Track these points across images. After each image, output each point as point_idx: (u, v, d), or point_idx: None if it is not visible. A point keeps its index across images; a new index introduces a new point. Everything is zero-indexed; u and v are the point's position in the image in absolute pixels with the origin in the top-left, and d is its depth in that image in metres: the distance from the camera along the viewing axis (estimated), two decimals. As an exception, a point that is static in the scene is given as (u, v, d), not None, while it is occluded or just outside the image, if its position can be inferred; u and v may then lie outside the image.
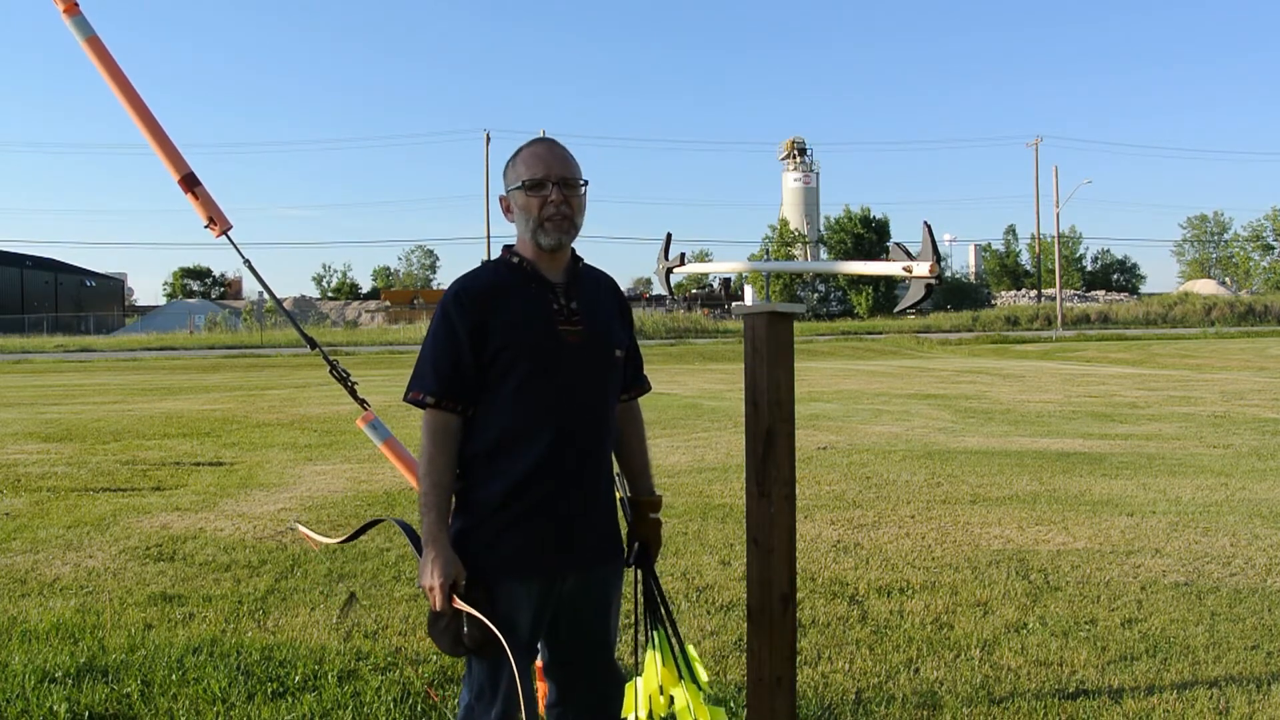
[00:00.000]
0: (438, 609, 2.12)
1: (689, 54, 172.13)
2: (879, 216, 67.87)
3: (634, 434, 2.44)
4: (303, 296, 76.15)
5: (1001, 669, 3.73)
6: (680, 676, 2.32)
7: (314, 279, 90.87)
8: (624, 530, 2.42)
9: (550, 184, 2.19)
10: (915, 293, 2.29)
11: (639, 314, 53.57)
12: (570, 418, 2.19)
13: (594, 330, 2.24)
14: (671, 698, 2.31)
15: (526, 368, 2.15)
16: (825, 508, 6.76)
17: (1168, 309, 56.63)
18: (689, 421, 12.29)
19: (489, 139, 55.13)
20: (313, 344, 3.06)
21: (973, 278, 78.20)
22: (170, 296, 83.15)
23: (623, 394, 2.39)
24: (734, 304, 3.25)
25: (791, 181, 75.30)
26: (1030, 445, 9.81)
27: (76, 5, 2.89)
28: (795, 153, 75.87)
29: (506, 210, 2.29)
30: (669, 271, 3.10)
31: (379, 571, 5.14)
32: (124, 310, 79.56)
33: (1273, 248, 78.38)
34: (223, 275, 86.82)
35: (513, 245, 2.30)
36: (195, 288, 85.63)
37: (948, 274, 46.41)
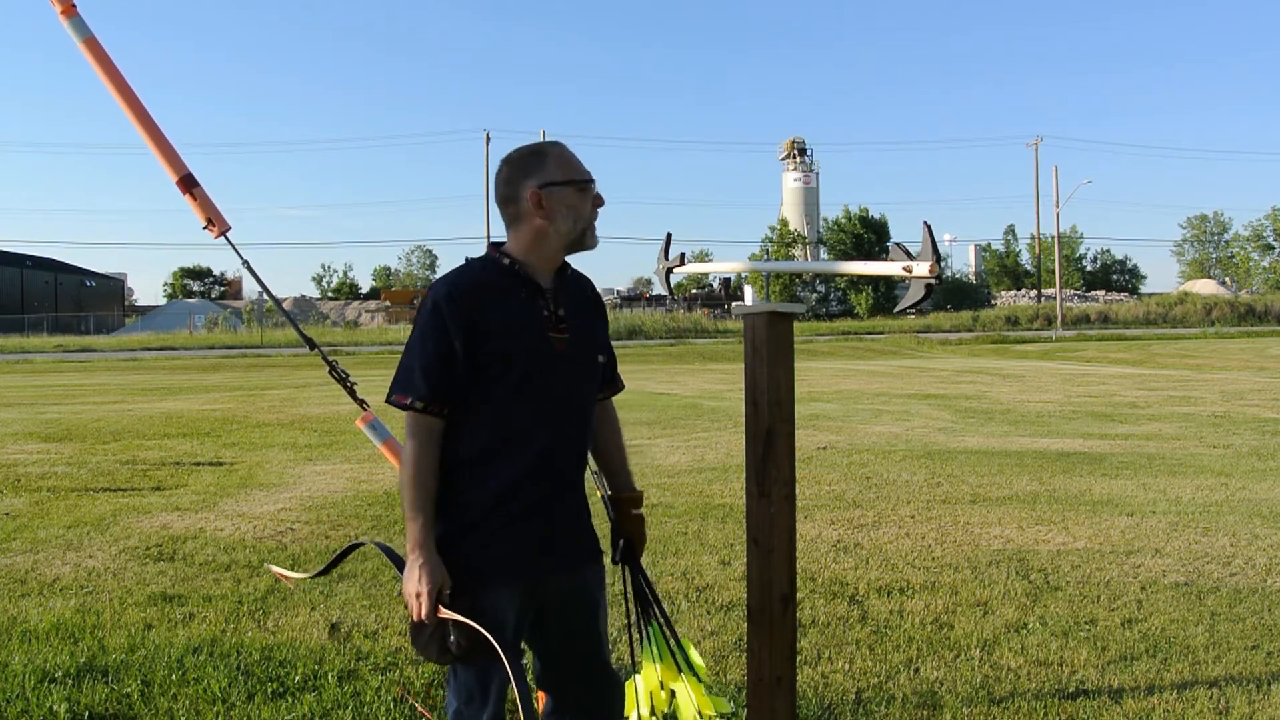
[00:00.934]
0: (422, 617, 2.08)
1: (689, 54, 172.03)
2: (879, 217, 67.94)
3: (611, 431, 2.45)
4: (303, 296, 76.15)
5: (1001, 669, 3.73)
6: (680, 670, 2.32)
7: (314, 279, 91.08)
8: (606, 529, 2.41)
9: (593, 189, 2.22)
10: (915, 293, 2.30)
11: (639, 314, 53.69)
12: (562, 422, 2.20)
13: (579, 337, 2.24)
14: (673, 692, 2.31)
15: (521, 372, 2.14)
16: (825, 508, 6.76)
17: (1168, 309, 56.60)
18: (689, 421, 12.29)
19: (489, 139, 55.21)
20: (312, 345, 3.06)
21: (973, 278, 78.15)
22: (170, 296, 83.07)
23: (599, 394, 2.40)
24: (734, 304, 3.24)
25: (791, 181, 75.25)
26: (1030, 445, 9.80)
27: (74, 7, 2.89)
28: (795, 153, 75.79)
29: (538, 205, 2.16)
30: (669, 271, 3.10)
31: (379, 571, 5.14)
32: (124, 310, 79.55)
33: (1273, 248, 78.47)
34: (223, 275, 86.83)
35: (501, 244, 2.24)
36: (195, 288, 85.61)
37: (948, 274, 46.33)
